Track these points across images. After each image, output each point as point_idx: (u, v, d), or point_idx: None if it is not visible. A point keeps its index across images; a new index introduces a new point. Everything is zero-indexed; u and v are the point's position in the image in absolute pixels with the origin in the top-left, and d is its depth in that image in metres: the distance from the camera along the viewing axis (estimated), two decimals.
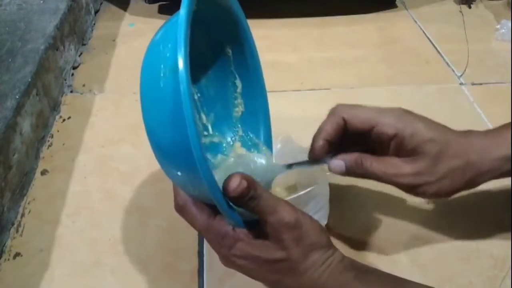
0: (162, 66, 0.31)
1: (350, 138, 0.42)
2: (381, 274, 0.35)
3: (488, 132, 0.42)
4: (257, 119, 0.45)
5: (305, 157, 0.46)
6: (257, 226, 0.34)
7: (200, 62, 0.42)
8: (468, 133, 0.41)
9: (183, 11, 0.30)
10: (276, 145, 0.47)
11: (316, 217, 0.37)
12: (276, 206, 0.33)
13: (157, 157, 0.33)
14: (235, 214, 0.33)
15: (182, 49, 0.29)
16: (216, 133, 0.44)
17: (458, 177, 0.40)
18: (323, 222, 0.41)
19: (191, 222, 0.35)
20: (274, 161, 0.44)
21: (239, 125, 0.45)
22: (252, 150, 0.44)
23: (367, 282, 0.33)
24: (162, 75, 0.30)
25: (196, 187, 0.32)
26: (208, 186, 0.30)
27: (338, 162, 0.41)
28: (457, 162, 0.39)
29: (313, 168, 0.42)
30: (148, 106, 0.32)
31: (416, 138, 0.39)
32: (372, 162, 0.40)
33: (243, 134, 0.45)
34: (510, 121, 0.42)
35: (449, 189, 0.40)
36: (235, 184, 0.32)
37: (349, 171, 0.41)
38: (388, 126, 0.39)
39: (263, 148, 0.45)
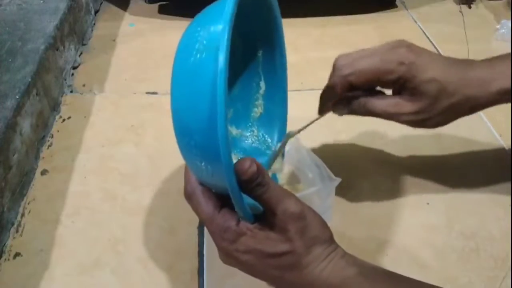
0: (204, 41, 0.30)
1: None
2: (383, 271, 0.35)
3: (486, 63, 0.43)
4: (274, 123, 0.45)
5: (311, 160, 0.46)
6: (261, 220, 0.34)
7: (230, 58, 0.42)
8: (467, 66, 0.42)
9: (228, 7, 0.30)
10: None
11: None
12: (282, 196, 0.33)
13: (178, 134, 0.32)
14: (244, 203, 0.33)
15: (227, 30, 0.28)
16: (234, 127, 0.44)
17: (457, 110, 0.42)
18: (328, 223, 0.41)
19: (197, 210, 0.35)
20: (285, 167, 0.45)
21: (256, 126, 0.45)
22: (264, 152, 0.44)
23: (369, 279, 0.33)
24: (200, 50, 0.30)
25: (213, 168, 0.32)
26: (225, 166, 0.30)
27: (342, 106, 0.43)
28: (456, 99, 0.41)
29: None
30: (178, 81, 0.31)
31: (416, 79, 0.40)
32: (375, 103, 0.42)
33: (258, 135, 0.45)
34: (509, 78, 0.42)
35: (448, 120, 0.43)
36: (247, 165, 0.32)
37: (352, 112, 0.43)
38: (390, 73, 0.41)
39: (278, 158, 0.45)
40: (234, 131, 0.44)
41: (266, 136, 0.45)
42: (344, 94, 0.42)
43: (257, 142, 0.45)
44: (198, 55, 0.30)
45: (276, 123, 0.45)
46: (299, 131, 0.43)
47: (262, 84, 0.45)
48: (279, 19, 0.42)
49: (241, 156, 0.43)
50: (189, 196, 0.35)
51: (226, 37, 0.28)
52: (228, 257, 0.35)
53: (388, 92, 0.43)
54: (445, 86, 0.40)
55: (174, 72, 0.31)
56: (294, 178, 0.48)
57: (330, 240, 0.34)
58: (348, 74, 0.41)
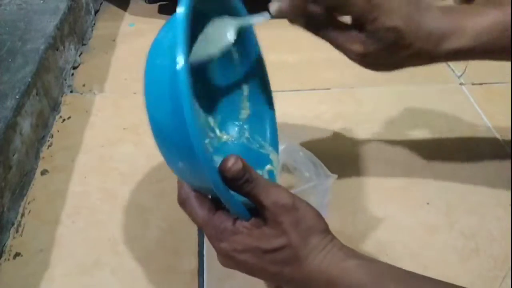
0: (164, 50, 0.31)
1: None
2: (382, 264, 0.34)
3: (446, 15, 0.41)
4: (263, 122, 0.45)
5: (306, 158, 0.46)
6: (256, 216, 0.34)
7: (208, 64, 0.43)
8: (428, 12, 0.40)
9: (181, 9, 0.30)
10: (281, 145, 0.47)
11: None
12: (272, 189, 0.33)
13: (159, 146, 0.33)
14: (234, 199, 0.33)
15: (182, 34, 0.29)
16: (224, 133, 0.45)
17: (409, 60, 0.41)
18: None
19: (192, 216, 0.35)
20: (280, 164, 0.45)
21: (245, 127, 0.45)
22: (258, 151, 0.45)
23: (370, 271, 0.33)
24: (162, 59, 0.31)
25: (196, 174, 0.32)
26: (206, 168, 0.30)
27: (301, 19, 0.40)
28: (411, 50, 0.40)
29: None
30: (148, 91, 0.32)
31: (377, 22, 0.38)
32: (331, 32, 0.41)
33: (249, 136, 0.45)
34: (461, 37, 0.41)
35: (395, 68, 0.42)
36: (230, 163, 0.32)
37: (307, 29, 0.42)
38: (353, 5, 0.38)
39: (269, 149, 0.45)
40: (224, 136, 0.45)
41: (257, 135, 0.45)
42: (305, 5, 0.40)
43: (249, 142, 0.45)
44: (162, 56, 0.31)
45: (266, 121, 0.46)
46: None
47: (245, 87, 0.45)
48: (243, 11, 0.42)
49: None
50: (182, 202, 0.35)
51: (182, 28, 0.29)
52: (227, 259, 0.35)
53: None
54: (402, 37, 0.39)
55: (144, 80, 0.32)
56: (290, 177, 0.48)
57: (326, 230, 0.34)
58: None
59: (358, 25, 0.40)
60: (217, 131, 0.44)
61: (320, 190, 0.44)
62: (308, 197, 0.42)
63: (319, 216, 0.34)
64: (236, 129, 0.45)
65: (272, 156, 0.44)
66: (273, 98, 0.46)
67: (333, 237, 0.35)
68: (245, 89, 0.45)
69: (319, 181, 0.44)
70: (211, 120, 0.44)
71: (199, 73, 0.42)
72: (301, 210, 0.33)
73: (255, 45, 0.44)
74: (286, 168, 0.48)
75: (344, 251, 0.34)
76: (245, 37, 0.43)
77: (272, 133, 0.45)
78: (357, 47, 0.40)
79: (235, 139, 0.45)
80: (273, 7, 0.39)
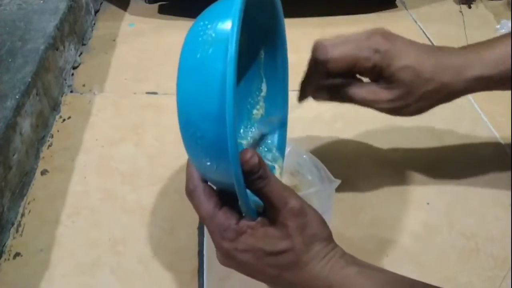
0: (212, 34, 0.30)
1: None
2: (382, 271, 0.35)
3: (461, 50, 0.43)
4: (274, 125, 0.45)
5: (310, 162, 0.46)
6: (261, 217, 0.34)
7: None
8: (442, 52, 0.43)
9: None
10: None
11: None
12: (283, 190, 0.33)
13: (183, 127, 0.32)
14: (248, 197, 0.32)
15: (237, 15, 0.29)
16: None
17: (433, 98, 0.42)
18: (328, 224, 0.41)
19: (197, 208, 0.35)
20: (284, 169, 0.45)
21: (256, 128, 0.45)
22: (265, 152, 0.44)
23: (370, 278, 0.33)
24: (208, 43, 0.30)
25: (218, 161, 0.32)
26: (232, 156, 0.29)
27: (323, 93, 0.44)
28: (432, 86, 0.41)
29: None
30: (186, 74, 0.31)
31: (391, 67, 0.41)
32: (353, 90, 0.43)
33: (258, 138, 0.44)
34: (483, 66, 0.42)
35: (425, 108, 0.43)
36: (248, 155, 0.31)
37: (332, 99, 0.44)
38: (365, 60, 0.41)
39: (276, 154, 0.44)
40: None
41: (266, 137, 0.45)
42: (323, 81, 0.43)
43: (256, 143, 0.45)
44: (206, 48, 0.30)
45: (277, 124, 0.45)
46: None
47: (264, 86, 0.45)
48: (282, 19, 0.42)
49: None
50: (190, 193, 0.35)
51: (235, 29, 0.29)
52: (227, 257, 0.35)
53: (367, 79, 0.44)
54: (419, 73, 0.41)
55: (181, 66, 0.31)
56: (293, 181, 0.48)
57: (329, 238, 0.34)
58: (325, 61, 0.42)
59: (376, 77, 0.42)
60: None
61: (323, 195, 0.44)
62: (311, 202, 0.42)
63: (324, 223, 0.35)
64: (247, 127, 0.45)
65: (278, 161, 0.44)
66: (288, 103, 0.45)
67: (336, 245, 0.35)
68: (264, 88, 0.45)
69: (323, 186, 0.44)
70: None
71: None
72: (308, 215, 0.33)
73: (284, 44, 0.44)
74: (289, 171, 0.48)
75: (345, 258, 0.34)
76: (275, 35, 0.42)
77: (281, 137, 0.45)
78: (384, 95, 0.42)
79: (243, 139, 0.45)
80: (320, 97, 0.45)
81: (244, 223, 0.33)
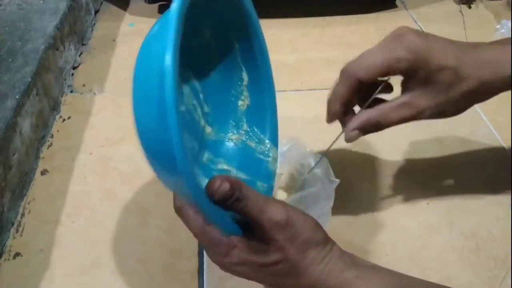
0: (152, 64, 0.30)
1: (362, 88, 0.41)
2: (382, 271, 0.34)
3: (498, 46, 0.41)
4: (263, 114, 0.44)
5: (311, 159, 0.46)
6: (251, 232, 0.33)
7: (205, 53, 0.42)
8: (480, 48, 0.40)
9: (174, 6, 0.29)
10: (282, 147, 0.47)
11: (319, 221, 0.37)
12: (264, 205, 0.32)
13: (146, 158, 0.33)
14: (223, 218, 0.32)
15: (171, 49, 0.28)
16: (215, 131, 0.43)
17: (473, 96, 0.40)
18: (325, 227, 0.41)
19: (187, 225, 0.35)
20: (279, 159, 0.44)
21: (244, 119, 0.44)
22: (256, 145, 0.44)
23: (369, 281, 0.33)
24: (150, 74, 0.30)
25: (183, 194, 0.32)
26: (192, 193, 0.29)
27: (353, 133, 0.41)
28: (472, 84, 0.39)
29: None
30: (136, 107, 0.31)
31: (428, 67, 0.38)
32: (388, 113, 0.40)
33: (248, 129, 0.43)
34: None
35: (466, 107, 0.41)
36: (216, 185, 0.31)
37: (367, 132, 0.41)
38: (400, 67, 0.39)
39: (268, 144, 0.44)
40: (212, 133, 0.43)
41: (256, 127, 0.44)
42: (353, 99, 0.41)
43: (247, 136, 0.44)
44: (149, 60, 0.31)
45: (266, 113, 0.44)
46: (327, 150, 0.44)
47: (245, 75, 0.43)
48: (251, 8, 0.41)
49: (225, 165, 0.42)
50: (178, 210, 0.35)
51: (172, 33, 0.29)
52: (224, 269, 0.35)
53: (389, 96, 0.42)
54: (458, 72, 0.38)
55: (133, 97, 0.32)
56: (293, 179, 0.48)
57: (324, 241, 0.34)
58: (356, 70, 0.39)
59: (411, 80, 0.40)
60: (210, 129, 0.43)
61: (323, 195, 0.43)
62: (310, 202, 0.42)
63: (316, 227, 0.34)
64: (235, 120, 0.44)
65: (272, 151, 0.43)
66: (274, 90, 0.44)
67: (332, 246, 0.34)
68: (245, 77, 0.43)
69: (322, 185, 0.44)
70: (205, 107, 0.43)
71: (196, 61, 0.40)
72: (296, 224, 0.33)
73: (258, 33, 0.43)
74: (288, 170, 0.48)
75: (344, 259, 0.34)
76: (246, 25, 0.41)
77: (272, 127, 0.44)
78: (424, 103, 0.40)
79: (232, 135, 0.44)
80: (352, 137, 0.42)
81: (234, 237, 0.33)
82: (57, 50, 0.66)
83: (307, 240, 0.33)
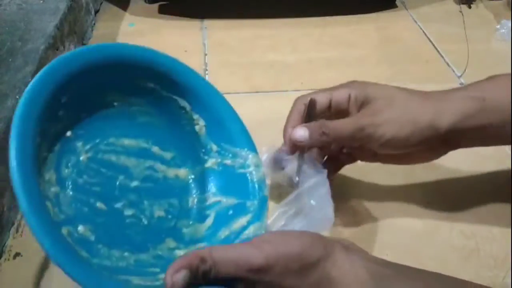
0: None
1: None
2: (392, 268, 0.33)
3: (431, 95, 0.43)
4: (224, 126, 0.42)
5: (294, 157, 0.45)
6: None
7: (134, 105, 0.41)
8: (414, 93, 0.44)
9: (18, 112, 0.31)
10: (263, 155, 0.45)
11: (321, 215, 0.36)
12: (237, 258, 0.30)
13: None
14: None
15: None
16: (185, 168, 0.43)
17: (396, 128, 0.41)
18: (330, 221, 0.40)
19: None
20: (262, 161, 0.43)
21: (210, 141, 0.42)
22: (232, 160, 0.42)
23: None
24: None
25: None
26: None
27: (301, 131, 0.41)
28: (396, 114, 0.41)
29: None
30: None
31: (364, 97, 0.42)
32: (335, 123, 0.42)
33: (218, 148, 0.42)
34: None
35: (394, 139, 0.42)
36: (173, 278, 0.28)
37: (312, 138, 0.41)
38: (341, 92, 0.43)
39: (243, 153, 0.42)
40: (187, 174, 0.43)
41: (225, 144, 0.42)
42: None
43: (221, 156, 0.42)
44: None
45: (227, 124, 0.43)
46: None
47: (183, 102, 0.42)
48: (188, 73, 0.41)
49: (213, 198, 0.42)
50: None
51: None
52: None
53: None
54: (388, 102, 0.42)
55: None
56: (280, 187, 0.46)
57: (321, 257, 0.31)
58: (303, 101, 0.43)
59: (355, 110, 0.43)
60: (184, 171, 0.42)
61: (318, 189, 0.43)
62: (306, 199, 0.41)
63: (304, 246, 0.31)
64: (203, 149, 0.43)
65: (249, 159, 0.41)
66: (218, 93, 0.42)
67: (328, 257, 0.32)
68: (185, 104, 0.42)
69: (315, 179, 0.43)
70: (173, 159, 0.42)
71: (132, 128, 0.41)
72: (280, 260, 0.30)
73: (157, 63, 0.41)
74: (272, 178, 0.46)
75: (347, 267, 0.32)
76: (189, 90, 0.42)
77: (240, 132, 0.43)
78: (366, 118, 0.42)
79: (207, 163, 0.42)
80: (300, 136, 0.41)
81: None
82: (57, 50, 0.66)
83: (301, 267, 0.31)
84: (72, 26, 0.73)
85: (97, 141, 0.38)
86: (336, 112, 0.43)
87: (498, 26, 0.81)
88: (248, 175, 0.41)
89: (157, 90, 0.41)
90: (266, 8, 0.87)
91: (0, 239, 0.48)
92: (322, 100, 0.43)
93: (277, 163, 0.44)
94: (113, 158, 0.39)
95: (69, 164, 0.36)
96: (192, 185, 0.42)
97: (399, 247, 0.48)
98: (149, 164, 0.40)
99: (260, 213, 0.40)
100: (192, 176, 0.42)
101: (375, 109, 0.41)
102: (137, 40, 0.83)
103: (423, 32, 0.83)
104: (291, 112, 0.44)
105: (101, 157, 0.38)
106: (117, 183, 0.38)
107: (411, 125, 0.41)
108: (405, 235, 0.49)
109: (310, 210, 0.40)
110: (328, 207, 0.40)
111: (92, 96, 0.38)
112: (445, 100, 0.43)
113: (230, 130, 0.42)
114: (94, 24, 0.85)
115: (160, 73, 0.40)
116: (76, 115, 0.37)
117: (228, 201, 0.42)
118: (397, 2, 0.91)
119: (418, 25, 0.85)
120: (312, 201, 0.40)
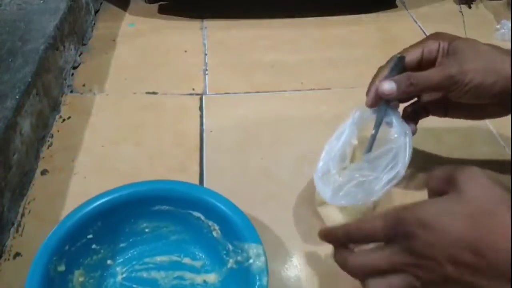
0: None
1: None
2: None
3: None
4: (232, 225, 0.43)
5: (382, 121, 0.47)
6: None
7: (162, 228, 0.47)
8: (496, 47, 0.45)
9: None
10: (354, 113, 0.48)
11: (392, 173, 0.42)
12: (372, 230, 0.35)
13: None
14: None
15: None
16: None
17: (482, 76, 0.43)
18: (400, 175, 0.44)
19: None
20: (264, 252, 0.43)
21: (226, 242, 0.44)
22: (241, 256, 0.42)
23: None
24: None
25: None
26: None
27: (388, 83, 0.44)
28: (482, 63, 0.43)
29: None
30: None
31: (451, 47, 0.45)
32: (422, 74, 0.43)
33: (232, 247, 0.43)
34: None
35: (480, 86, 0.43)
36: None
37: (400, 89, 0.44)
38: (432, 43, 0.46)
39: (245, 246, 0.42)
40: (216, 278, 0.45)
41: (236, 241, 0.43)
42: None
43: (236, 255, 0.43)
44: None
45: (234, 221, 0.43)
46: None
47: (196, 213, 0.45)
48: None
49: None
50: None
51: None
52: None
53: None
54: (475, 52, 0.44)
55: None
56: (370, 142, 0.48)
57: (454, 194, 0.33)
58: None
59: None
60: (213, 276, 0.45)
61: (398, 152, 0.45)
62: (383, 158, 0.45)
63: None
64: (224, 251, 0.44)
65: (250, 251, 0.41)
66: (221, 197, 0.44)
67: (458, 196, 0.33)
68: (198, 214, 0.45)
69: (399, 140, 0.45)
70: (203, 267, 0.45)
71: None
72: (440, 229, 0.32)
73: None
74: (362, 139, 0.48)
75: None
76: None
77: (244, 228, 0.43)
78: (456, 67, 0.43)
79: (228, 263, 0.44)
80: (387, 90, 0.45)
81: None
82: (57, 50, 0.66)
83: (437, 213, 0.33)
84: (72, 26, 0.73)
85: (134, 263, 0.45)
86: (426, 64, 0.46)
87: (498, 26, 0.81)
88: (250, 266, 0.41)
89: (173, 210, 0.45)
90: (266, 8, 0.87)
91: (0, 239, 0.48)
92: (413, 55, 0.46)
93: (364, 119, 0.48)
94: (145, 274, 0.45)
95: (108, 286, 0.44)
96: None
97: None
98: (178, 274, 0.45)
99: None
100: (220, 279, 0.45)
101: (463, 58, 0.43)
102: (137, 40, 0.83)
103: (423, 32, 0.83)
104: (382, 68, 0.47)
105: (134, 275, 0.45)
106: None
107: (495, 74, 0.43)
108: None
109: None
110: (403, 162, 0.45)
111: (123, 228, 0.46)
112: None
113: (237, 226, 0.43)
114: (94, 24, 0.85)
115: (171, 196, 0.45)
116: (111, 246, 0.45)
117: None
118: (397, 2, 0.91)
119: (418, 25, 0.85)
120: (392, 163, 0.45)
